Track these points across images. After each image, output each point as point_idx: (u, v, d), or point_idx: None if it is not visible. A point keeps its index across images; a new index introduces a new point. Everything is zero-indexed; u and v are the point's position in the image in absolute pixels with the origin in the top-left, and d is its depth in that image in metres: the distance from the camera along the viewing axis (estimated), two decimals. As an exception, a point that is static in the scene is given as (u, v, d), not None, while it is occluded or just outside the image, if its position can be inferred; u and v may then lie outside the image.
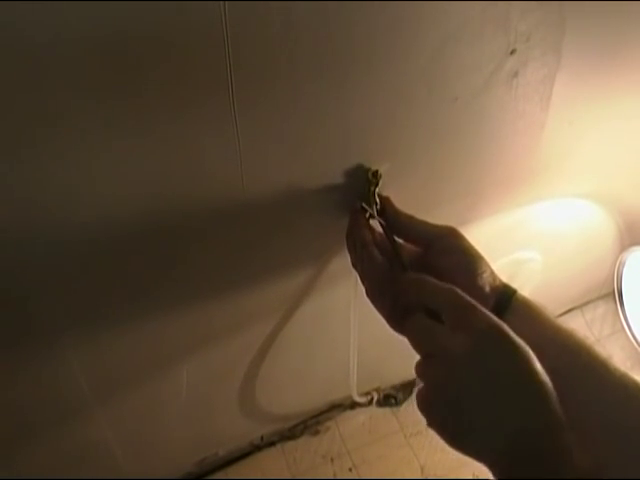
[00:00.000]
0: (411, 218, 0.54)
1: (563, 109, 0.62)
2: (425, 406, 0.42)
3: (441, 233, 0.53)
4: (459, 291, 0.44)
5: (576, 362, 0.47)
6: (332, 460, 1.15)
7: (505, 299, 0.49)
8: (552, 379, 0.39)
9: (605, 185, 0.91)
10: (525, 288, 1.02)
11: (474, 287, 0.49)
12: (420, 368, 0.43)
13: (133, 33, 0.34)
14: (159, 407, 0.82)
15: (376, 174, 0.54)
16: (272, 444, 1.15)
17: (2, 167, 0.39)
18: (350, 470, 1.14)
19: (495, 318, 0.42)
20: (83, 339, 0.60)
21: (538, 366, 0.40)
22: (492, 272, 0.51)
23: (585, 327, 1.37)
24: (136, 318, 0.61)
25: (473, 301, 0.43)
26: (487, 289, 0.49)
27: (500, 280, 0.51)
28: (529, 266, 0.99)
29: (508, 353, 0.41)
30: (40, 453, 0.76)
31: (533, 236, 0.94)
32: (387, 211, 0.55)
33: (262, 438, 1.13)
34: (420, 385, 0.43)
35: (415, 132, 0.55)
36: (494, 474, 0.39)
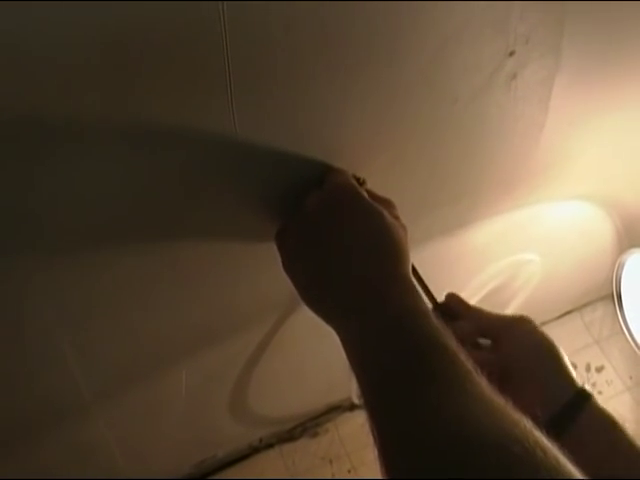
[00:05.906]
0: (479, 310, 0.53)
1: (562, 111, 0.62)
2: (283, 250, 0.47)
3: (510, 322, 0.51)
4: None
5: None
6: (331, 462, 1.15)
7: (581, 400, 0.46)
8: None
9: (604, 187, 0.91)
10: (524, 290, 1.02)
11: (550, 385, 0.48)
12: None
13: (130, 33, 0.34)
14: (158, 409, 0.82)
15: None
16: (271, 446, 1.15)
17: None
18: (349, 472, 1.14)
19: (351, 180, 0.45)
20: (81, 339, 0.60)
21: (389, 221, 0.42)
22: (567, 369, 0.48)
23: (584, 329, 1.37)
24: (135, 318, 0.61)
25: (338, 169, 0.47)
26: (564, 387, 0.47)
27: (575, 380, 0.48)
28: (528, 268, 0.99)
29: (355, 209, 0.43)
30: (40, 454, 0.76)
31: (532, 238, 0.94)
32: (456, 307, 0.53)
33: (261, 440, 1.13)
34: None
35: (415, 133, 0.55)
36: (340, 332, 0.41)
